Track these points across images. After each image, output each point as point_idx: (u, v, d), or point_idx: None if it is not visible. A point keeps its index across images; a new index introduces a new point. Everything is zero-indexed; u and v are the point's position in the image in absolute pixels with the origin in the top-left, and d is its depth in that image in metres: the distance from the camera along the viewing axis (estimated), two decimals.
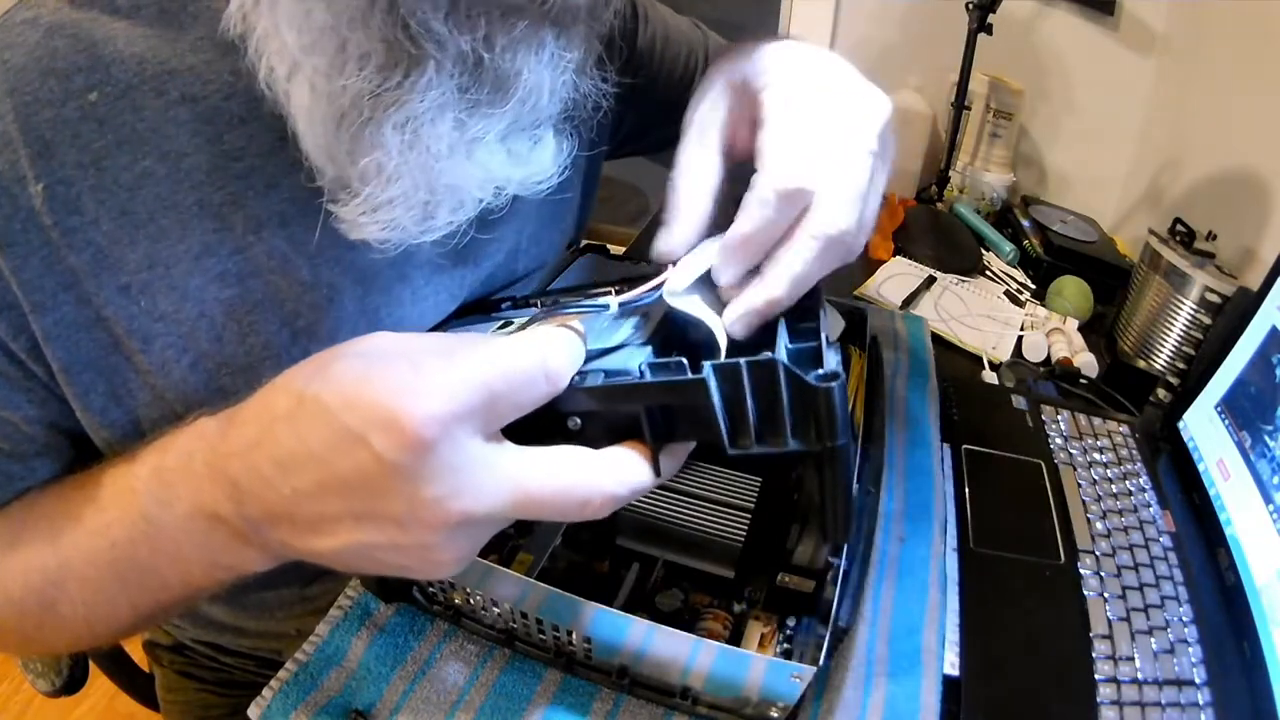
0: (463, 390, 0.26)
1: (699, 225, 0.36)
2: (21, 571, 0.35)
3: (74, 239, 0.32)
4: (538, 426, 0.29)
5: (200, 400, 0.36)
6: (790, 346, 0.31)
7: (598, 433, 0.31)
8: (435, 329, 0.45)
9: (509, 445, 0.28)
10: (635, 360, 0.31)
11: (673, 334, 0.35)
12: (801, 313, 0.34)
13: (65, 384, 0.35)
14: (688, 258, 0.35)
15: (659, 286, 0.35)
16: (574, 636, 0.38)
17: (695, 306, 0.33)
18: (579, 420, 0.31)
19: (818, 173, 0.33)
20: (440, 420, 0.25)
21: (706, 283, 0.35)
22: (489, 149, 0.34)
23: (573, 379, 0.30)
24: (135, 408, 0.36)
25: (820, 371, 0.27)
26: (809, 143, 0.33)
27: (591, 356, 0.33)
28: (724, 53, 0.41)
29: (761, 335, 0.34)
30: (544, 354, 0.28)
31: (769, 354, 0.28)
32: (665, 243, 0.35)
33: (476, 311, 0.47)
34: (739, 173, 0.36)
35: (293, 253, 0.37)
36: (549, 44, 0.32)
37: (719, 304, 0.34)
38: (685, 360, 0.29)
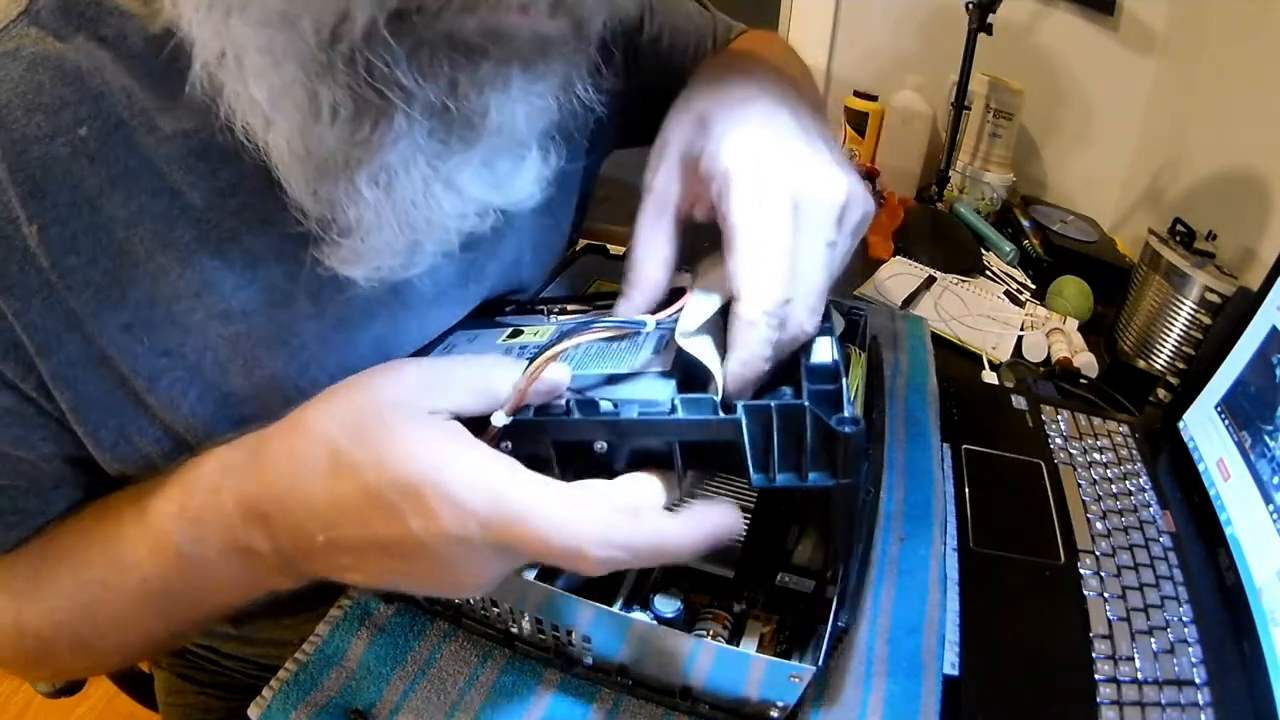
0: (488, 492, 0.28)
1: (655, 296, 0.39)
2: (49, 611, 0.36)
3: (73, 279, 0.31)
4: (567, 452, 0.32)
5: (209, 432, 0.36)
6: (812, 388, 0.33)
7: (623, 458, 0.33)
8: (441, 338, 0.45)
9: (541, 497, 0.29)
10: (664, 392, 0.34)
11: (691, 357, 0.36)
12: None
13: (75, 422, 0.34)
14: (695, 299, 0.37)
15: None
16: (574, 636, 0.38)
17: (702, 350, 0.35)
18: (605, 445, 0.33)
19: (794, 281, 0.34)
20: (476, 517, 0.27)
21: (715, 321, 0.36)
22: (468, 178, 0.34)
23: (605, 408, 0.32)
24: (145, 443, 0.36)
25: (843, 416, 0.30)
26: (782, 256, 0.34)
27: (616, 380, 0.35)
28: (690, 93, 0.41)
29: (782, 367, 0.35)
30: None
31: (799, 401, 0.31)
32: (624, 312, 0.39)
33: (481, 315, 0.48)
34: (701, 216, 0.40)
35: (291, 286, 0.36)
36: (515, 81, 0.31)
37: (724, 338, 0.35)
38: (716, 398, 0.32)
